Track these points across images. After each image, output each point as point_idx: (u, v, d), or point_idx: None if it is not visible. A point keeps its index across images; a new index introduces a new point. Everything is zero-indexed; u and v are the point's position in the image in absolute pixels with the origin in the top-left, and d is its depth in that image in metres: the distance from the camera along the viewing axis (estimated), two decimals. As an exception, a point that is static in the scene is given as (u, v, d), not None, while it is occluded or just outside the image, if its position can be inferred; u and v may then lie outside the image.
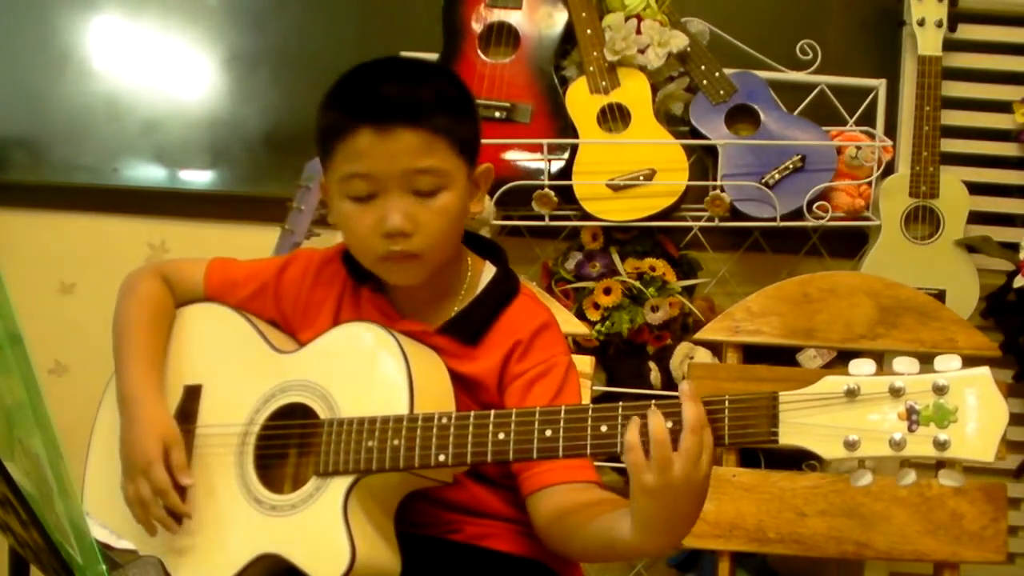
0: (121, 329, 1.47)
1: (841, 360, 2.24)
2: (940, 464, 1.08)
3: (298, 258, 1.52)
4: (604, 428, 1.19)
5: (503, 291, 1.44)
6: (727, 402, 1.14)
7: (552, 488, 1.32)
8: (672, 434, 1.12)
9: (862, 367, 1.10)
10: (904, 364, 1.09)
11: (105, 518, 1.33)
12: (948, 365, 1.08)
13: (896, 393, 1.08)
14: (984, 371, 1.08)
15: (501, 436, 1.23)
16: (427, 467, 1.27)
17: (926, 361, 1.10)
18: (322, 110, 1.38)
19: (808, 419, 1.10)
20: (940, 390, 1.07)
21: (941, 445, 1.06)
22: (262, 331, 1.45)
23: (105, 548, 1.06)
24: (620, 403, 1.20)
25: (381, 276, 1.41)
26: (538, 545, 1.39)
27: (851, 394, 1.09)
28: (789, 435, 1.11)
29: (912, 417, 1.07)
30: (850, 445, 1.08)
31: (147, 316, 1.47)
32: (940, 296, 2.26)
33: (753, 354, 1.83)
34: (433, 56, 2.33)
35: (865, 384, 1.09)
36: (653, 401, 1.17)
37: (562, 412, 1.22)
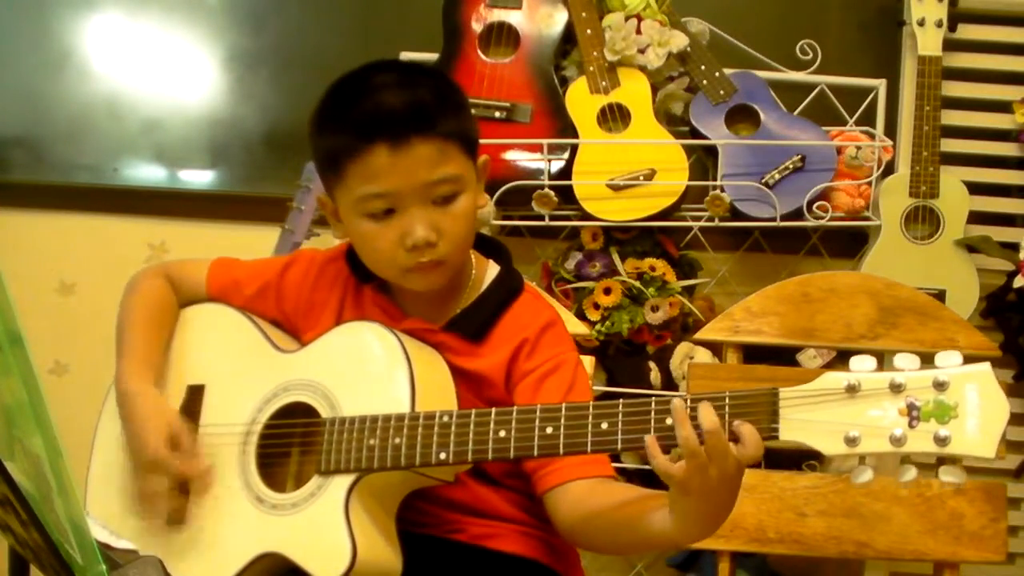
0: (121, 327, 1.47)
1: (841, 360, 2.24)
2: (940, 461, 1.08)
3: (301, 258, 1.52)
4: (605, 425, 1.19)
5: (507, 288, 1.44)
6: (727, 398, 1.14)
7: (572, 483, 1.31)
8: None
9: (863, 363, 1.10)
10: (905, 360, 1.09)
11: (107, 518, 1.33)
12: (949, 361, 1.08)
13: (897, 389, 1.08)
14: (985, 367, 1.08)
15: (502, 434, 1.23)
16: (428, 465, 1.27)
17: (927, 361, 1.10)
18: (324, 131, 1.35)
19: (808, 415, 1.10)
20: (941, 386, 1.07)
21: (942, 441, 1.06)
22: (264, 331, 1.45)
23: (105, 548, 1.06)
24: (620, 400, 1.20)
25: (405, 285, 1.39)
26: (541, 546, 1.39)
27: (852, 390, 1.09)
28: (789, 431, 1.11)
29: (913, 413, 1.07)
30: (851, 441, 1.08)
31: (147, 313, 1.47)
32: (940, 296, 2.26)
33: (753, 354, 1.83)
34: (433, 56, 2.33)
35: (866, 380, 1.09)
36: (653, 398, 1.18)
37: (563, 409, 1.22)
